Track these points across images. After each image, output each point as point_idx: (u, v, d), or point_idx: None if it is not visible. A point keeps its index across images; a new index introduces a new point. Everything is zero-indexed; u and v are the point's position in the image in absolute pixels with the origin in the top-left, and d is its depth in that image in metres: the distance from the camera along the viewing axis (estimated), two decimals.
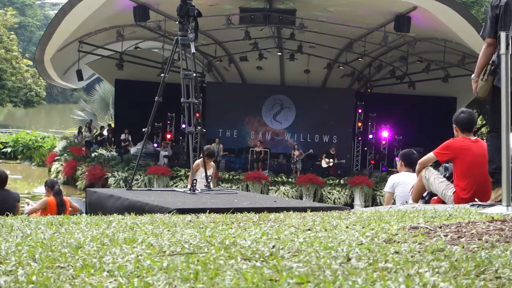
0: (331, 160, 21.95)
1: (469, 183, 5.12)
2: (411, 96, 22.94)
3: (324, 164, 22.00)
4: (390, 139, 23.82)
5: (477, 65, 4.49)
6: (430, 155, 5.36)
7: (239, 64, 24.24)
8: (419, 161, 5.54)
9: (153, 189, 5.78)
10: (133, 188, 5.35)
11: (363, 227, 2.71)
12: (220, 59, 23.93)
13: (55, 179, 10.67)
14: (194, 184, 5.13)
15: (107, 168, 20.85)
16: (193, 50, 5.28)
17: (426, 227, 2.54)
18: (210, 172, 6.44)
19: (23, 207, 8.35)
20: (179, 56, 5.38)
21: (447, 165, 5.49)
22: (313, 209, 3.88)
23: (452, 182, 5.28)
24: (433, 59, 20.97)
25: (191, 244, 2.18)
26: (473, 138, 5.36)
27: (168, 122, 24.37)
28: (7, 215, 3.58)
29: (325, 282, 1.44)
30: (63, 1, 21.69)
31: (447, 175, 5.44)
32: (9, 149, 31.88)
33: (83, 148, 23.61)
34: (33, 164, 30.24)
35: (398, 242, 2.20)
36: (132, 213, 3.53)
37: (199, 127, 5.54)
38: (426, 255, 1.87)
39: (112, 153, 22.56)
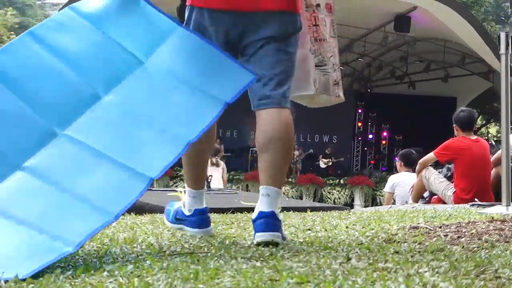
0: (329, 160, 21.94)
1: (469, 183, 5.12)
2: (411, 96, 22.89)
3: (322, 165, 22.00)
4: (390, 139, 23.81)
5: None
6: (430, 155, 5.37)
7: None
8: (420, 161, 5.54)
9: (153, 189, 5.77)
10: None
11: (363, 227, 2.71)
12: None
13: None
14: None
15: None
16: None
17: (426, 227, 2.55)
18: (219, 172, 6.39)
19: None
20: None
21: (450, 166, 5.49)
22: (313, 209, 3.89)
23: (452, 182, 5.29)
24: (433, 59, 20.95)
25: (191, 244, 2.18)
26: (474, 137, 5.36)
27: None
28: None
29: (325, 282, 1.44)
30: (63, 1, 21.67)
31: (448, 174, 5.45)
32: None
33: None
34: None
35: (398, 242, 2.20)
36: (132, 213, 3.53)
37: None
38: (426, 255, 1.87)
39: None
